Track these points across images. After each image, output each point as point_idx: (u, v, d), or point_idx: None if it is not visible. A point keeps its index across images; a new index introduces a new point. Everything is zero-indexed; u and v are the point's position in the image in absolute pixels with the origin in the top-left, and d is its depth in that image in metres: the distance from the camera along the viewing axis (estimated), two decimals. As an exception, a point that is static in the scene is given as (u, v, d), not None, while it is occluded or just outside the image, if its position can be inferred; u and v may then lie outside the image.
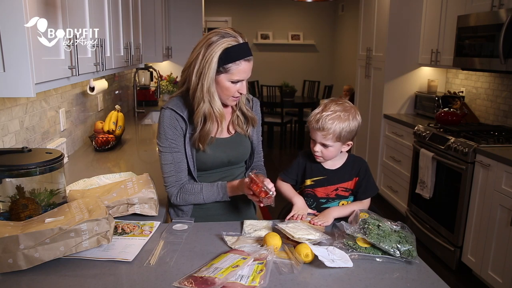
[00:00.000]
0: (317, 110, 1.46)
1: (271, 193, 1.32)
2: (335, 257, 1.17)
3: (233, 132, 1.56)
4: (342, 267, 1.15)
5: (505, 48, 2.60)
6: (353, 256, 1.20)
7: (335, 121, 1.41)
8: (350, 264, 1.16)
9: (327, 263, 1.13)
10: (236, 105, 1.53)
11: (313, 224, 1.40)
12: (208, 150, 1.48)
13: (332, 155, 1.48)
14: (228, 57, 1.35)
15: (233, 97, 1.44)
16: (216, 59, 1.35)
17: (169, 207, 1.60)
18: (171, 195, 1.50)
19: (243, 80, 1.41)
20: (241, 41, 1.38)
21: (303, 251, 1.18)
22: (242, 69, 1.38)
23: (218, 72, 1.38)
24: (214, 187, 1.49)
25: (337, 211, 1.47)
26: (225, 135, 1.54)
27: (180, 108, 1.45)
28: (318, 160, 1.51)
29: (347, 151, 1.56)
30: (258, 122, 1.61)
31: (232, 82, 1.40)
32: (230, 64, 1.36)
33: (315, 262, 1.17)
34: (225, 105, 1.50)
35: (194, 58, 1.40)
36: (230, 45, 1.35)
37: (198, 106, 1.41)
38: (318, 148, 1.46)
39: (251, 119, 1.56)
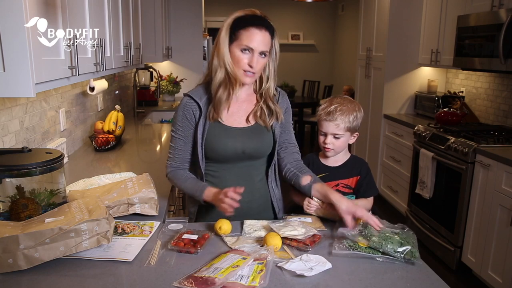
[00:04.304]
0: (324, 106, 1.55)
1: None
2: (312, 264, 1.15)
3: (252, 122, 1.51)
4: (323, 271, 1.13)
5: (505, 48, 2.60)
6: (353, 256, 1.21)
7: (344, 112, 1.51)
8: (329, 265, 1.15)
9: (307, 274, 1.11)
10: (261, 96, 1.50)
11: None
12: (220, 138, 1.46)
13: (343, 147, 1.55)
14: (239, 23, 1.39)
15: (244, 70, 1.41)
16: (228, 24, 1.39)
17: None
18: (166, 172, 1.56)
19: (253, 49, 1.38)
20: (258, 14, 1.41)
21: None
22: (251, 35, 1.37)
23: (231, 40, 1.40)
24: (198, 183, 1.47)
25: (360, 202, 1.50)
26: (242, 124, 1.50)
27: (199, 95, 1.48)
28: (328, 154, 1.56)
29: (349, 152, 1.61)
30: (289, 113, 1.58)
31: (242, 51, 1.39)
32: (240, 30, 1.38)
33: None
34: (247, 94, 1.52)
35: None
36: (243, 14, 1.40)
37: (215, 75, 1.43)
38: (329, 140, 1.53)
39: (276, 113, 1.51)
